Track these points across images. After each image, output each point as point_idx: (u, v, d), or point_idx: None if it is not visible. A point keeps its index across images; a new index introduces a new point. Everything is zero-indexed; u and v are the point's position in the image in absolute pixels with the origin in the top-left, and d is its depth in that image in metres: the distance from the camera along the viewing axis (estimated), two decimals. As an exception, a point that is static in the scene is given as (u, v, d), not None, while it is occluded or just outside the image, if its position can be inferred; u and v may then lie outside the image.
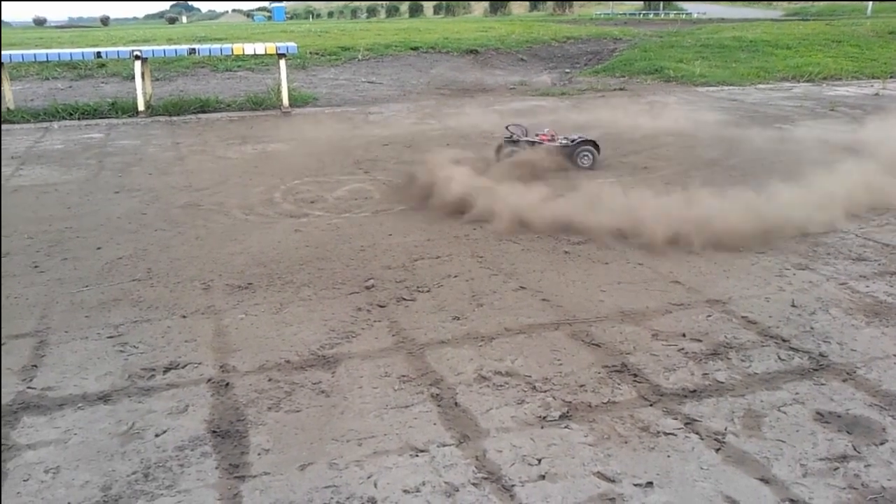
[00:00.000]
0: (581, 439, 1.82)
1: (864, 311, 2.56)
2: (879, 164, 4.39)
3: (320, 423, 1.90)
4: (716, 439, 1.81)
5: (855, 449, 1.76)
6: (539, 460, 1.73)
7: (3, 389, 2.08)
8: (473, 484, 1.65)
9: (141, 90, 7.48)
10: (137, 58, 7.45)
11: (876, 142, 5.20)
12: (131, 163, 5.27)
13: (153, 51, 8.01)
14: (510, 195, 3.68)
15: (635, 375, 2.12)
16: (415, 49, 12.15)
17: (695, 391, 2.03)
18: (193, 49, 8.04)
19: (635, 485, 1.64)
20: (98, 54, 8.01)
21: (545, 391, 2.04)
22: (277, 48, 7.74)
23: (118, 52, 8.07)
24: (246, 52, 8.17)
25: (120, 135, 6.50)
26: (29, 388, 2.09)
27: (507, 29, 16.28)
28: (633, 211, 3.40)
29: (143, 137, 6.34)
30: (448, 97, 8.80)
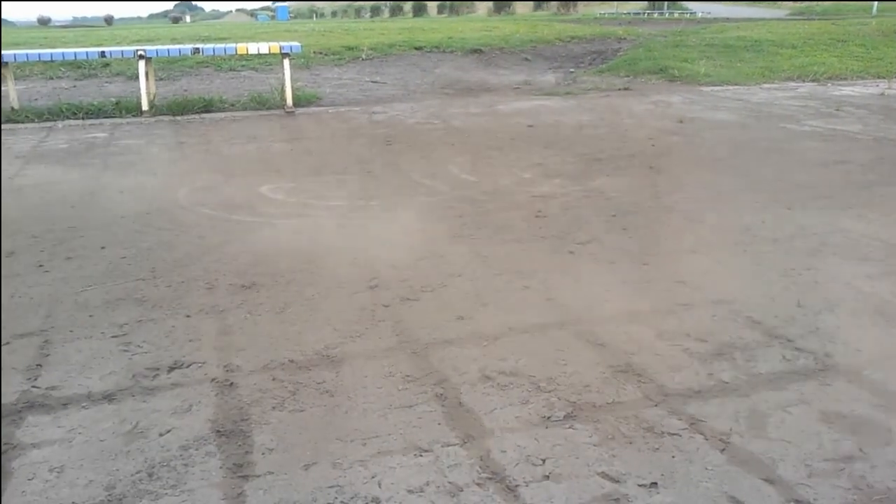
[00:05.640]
0: (585, 439, 1.81)
1: (870, 311, 2.55)
2: None
3: (324, 422, 1.90)
4: (720, 440, 1.80)
5: (860, 450, 1.75)
6: (543, 460, 1.73)
7: (7, 388, 2.08)
8: (477, 484, 1.65)
9: (145, 90, 7.49)
10: (141, 57, 7.46)
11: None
12: (135, 162, 5.27)
13: (157, 50, 8.01)
14: None
15: (640, 375, 2.12)
16: (419, 48, 12.15)
17: (699, 391, 2.02)
18: (197, 49, 8.04)
19: (640, 485, 1.64)
20: (102, 54, 8.02)
21: (549, 391, 2.03)
22: (281, 48, 7.74)
23: (122, 51, 8.08)
24: (250, 52, 8.17)
25: (124, 134, 6.51)
26: (34, 387, 2.10)
27: (511, 28, 16.27)
28: None
29: (148, 137, 6.35)
30: (452, 97, 8.79)
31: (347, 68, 10.89)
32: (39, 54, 7.81)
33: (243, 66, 10.61)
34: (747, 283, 2.81)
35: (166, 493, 1.63)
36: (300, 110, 7.73)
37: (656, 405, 1.96)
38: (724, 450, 1.76)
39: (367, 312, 2.59)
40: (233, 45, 8.33)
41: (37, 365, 2.23)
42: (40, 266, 3.12)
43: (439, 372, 2.15)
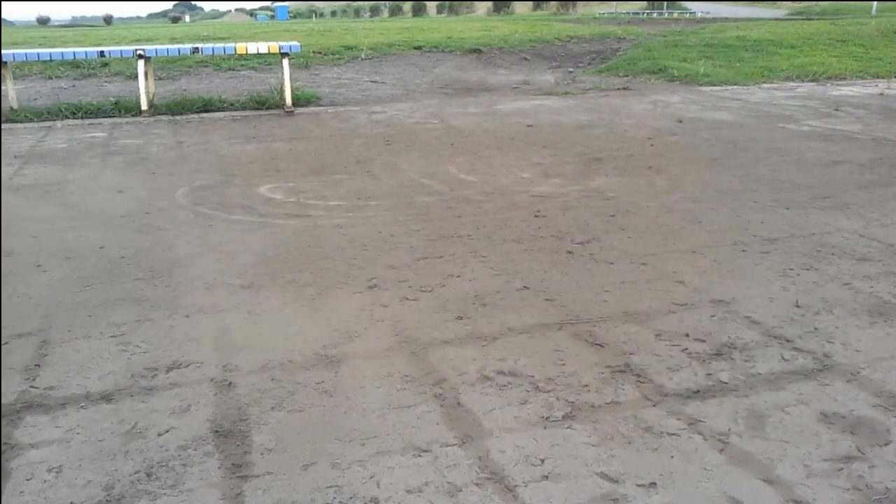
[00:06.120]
0: (584, 440, 1.81)
1: (869, 311, 2.55)
2: None
3: (323, 422, 1.90)
4: (719, 440, 1.80)
5: (859, 450, 1.76)
6: (542, 460, 1.73)
7: (6, 389, 2.08)
8: (476, 484, 1.65)
9: (144, 89, 7.48)
10: (141, 57, 7.45)
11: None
12: (134, 162, 5.27)
13: (156, 50, 8.01)
14: None
15: (638, 376, 2.12)
16: (418, 48, 12.15)
17: (698, 391, 2.03)
18: (197, 48, 8.03)
19: (638, 485, 1.64)
20: (101, 53, 8.01)
21: (548, 391, 2.04)
22: (280, 47, 7.74)
23: (121, 51, 8.07)
24: (249, 52, 8.16)
25: (123, 134, 6.51)
26: (32, 387, 2.10)
27: (511, 28, 16.27)
28: None
29: (146, 137, 6.34)
30: (451, 96, 8.79)
31: (346, 68, 10.89)
32: (38, 54, 7.80)
33: (242, 65, 10.60)
34: (746, 283, 2.81)
35: (165, 494, 1.63)
36: (299, 110, 7.73)
37: (655, 405, 1.96)
38: (722, 450, 1.76)
39: (366, 312, 2.59)
40: (232, 44, 8.32)
41: (35, 365, 2.23)
42: (38, 266, 3.12)
43: (438, 372, 2.16)
